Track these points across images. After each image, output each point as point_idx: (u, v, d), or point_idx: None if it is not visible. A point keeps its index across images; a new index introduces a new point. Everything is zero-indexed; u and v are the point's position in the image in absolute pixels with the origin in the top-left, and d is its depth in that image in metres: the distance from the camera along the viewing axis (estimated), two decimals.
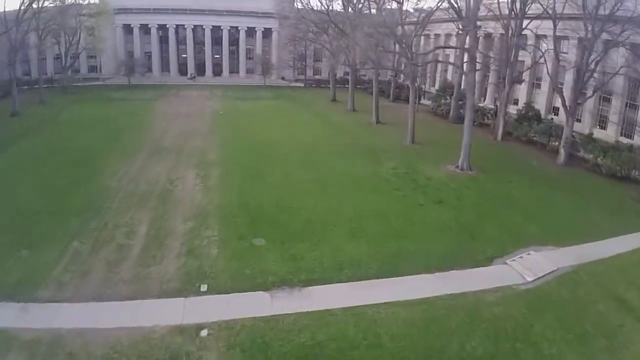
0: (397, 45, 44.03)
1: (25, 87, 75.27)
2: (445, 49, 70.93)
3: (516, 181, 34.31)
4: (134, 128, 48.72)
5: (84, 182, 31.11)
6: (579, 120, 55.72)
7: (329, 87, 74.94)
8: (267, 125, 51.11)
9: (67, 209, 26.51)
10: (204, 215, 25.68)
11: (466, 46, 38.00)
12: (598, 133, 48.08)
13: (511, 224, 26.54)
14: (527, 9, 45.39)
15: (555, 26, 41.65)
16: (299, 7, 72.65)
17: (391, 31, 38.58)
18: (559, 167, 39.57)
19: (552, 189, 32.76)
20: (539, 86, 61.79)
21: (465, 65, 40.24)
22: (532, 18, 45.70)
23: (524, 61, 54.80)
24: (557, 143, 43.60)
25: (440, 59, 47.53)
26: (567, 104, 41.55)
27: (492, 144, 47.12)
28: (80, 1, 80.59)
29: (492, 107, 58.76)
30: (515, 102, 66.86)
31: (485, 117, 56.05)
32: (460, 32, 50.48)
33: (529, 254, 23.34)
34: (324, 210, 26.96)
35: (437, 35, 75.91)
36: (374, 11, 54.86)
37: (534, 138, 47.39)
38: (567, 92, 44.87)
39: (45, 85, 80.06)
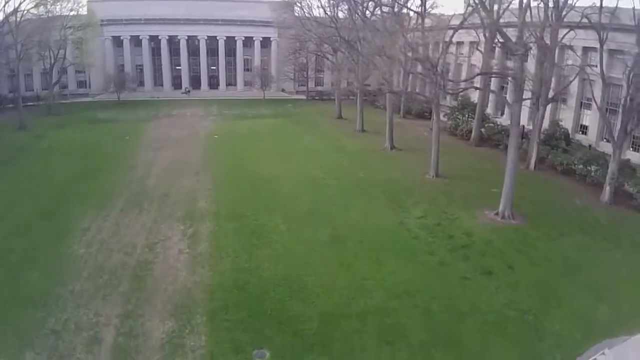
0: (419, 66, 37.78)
1: (10, 105, 70.01)
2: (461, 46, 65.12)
3: (567, 233, 28.43)
4: (117, 160, 42.72)
5: (47, 247, 25.12)
6: (609, 142, 49.95)
7: (333, 100, 69.00)
8: (267, 153, 45.10)
9: (20, 294, 20.59)
10: (188, 308, 19.58)
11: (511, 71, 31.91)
12: (632, 156, 42.35)
13: (578, 307, 20.52)
14: (564, 16, 39.38)
15: (601, 38, 35.73)
16: (300, 14, 66.94)
17: (424, 56, 32.45)
18: (604, 206, 33.76)
19: (610, 244, 27.06)
20: (564, 100, 55.89)
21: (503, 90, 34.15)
22: (571, 27, 39.77)
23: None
24: (597, 172, 37.97)
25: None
26: (614, 132, 35.52)
27: (526, 174, 40.93)
28: (66, 13, 74.98)
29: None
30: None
31: (508, 136, 49.97)
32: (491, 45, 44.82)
33: (603, 354, 17.33)
34: (345, 293, 20.90)
35: (459, 44, 69.57)
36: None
37: (572, 167, 41.46)
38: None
39: (31, 104, 74.70)
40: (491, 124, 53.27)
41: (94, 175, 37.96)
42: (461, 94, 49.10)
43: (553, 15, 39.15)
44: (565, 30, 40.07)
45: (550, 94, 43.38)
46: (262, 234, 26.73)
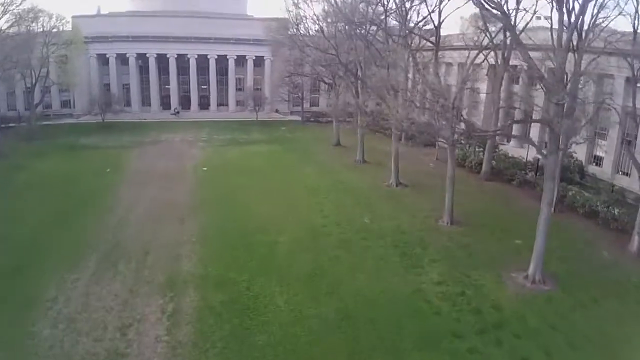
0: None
1: None
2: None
3: (601, 298, 24.80)
4: (96, 200, 38.34)
5: (5, 325, 20.84)
6: (626, 174, 46.59)
7: (329, 121, 64.64)
8: (260, 191, 40.93)
9: None
10: None
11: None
12: None
13: None
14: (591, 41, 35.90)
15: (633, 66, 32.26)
16: (295, 34, 63.32)
17: (439, 93, 28.56)
18: (634, 258, 30.15)
19: None
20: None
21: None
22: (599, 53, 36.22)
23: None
24: (621, 216, 34.43)
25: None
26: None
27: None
28: (48, 29, 70.86)
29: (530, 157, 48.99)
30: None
31: (523, 171, 46.33)
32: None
33: None
34: None
35: (461, 65, 65.90)
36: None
37: (594, 209, 37.76)
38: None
39: (13, 124, 70.31)
40: (502, 155, 49.75)
41: (69, 220, 33.59)
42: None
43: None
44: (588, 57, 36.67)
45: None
46: (256, 310, 22.46)
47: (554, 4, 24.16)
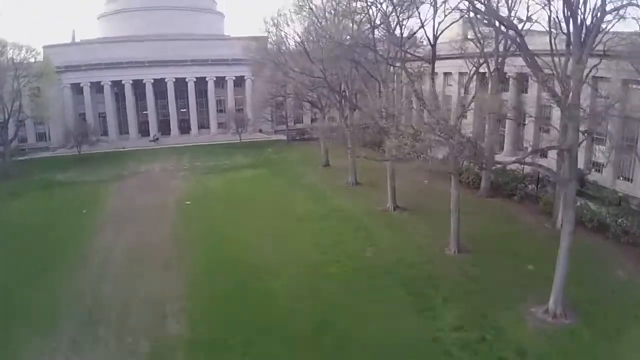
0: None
1: None
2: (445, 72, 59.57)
3: (624, 327, 22.84)
4: (70, 248, 35.17)
5: None
6: (629, 180, 45.01)
7: (315, 139, 61.30)
8: (250, 225, 38.23)
9: None
10: None
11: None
12: None
13: None
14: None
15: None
16: (275, 50, 60.88)
17: (439, 118, 26.18)
18: None
19: None
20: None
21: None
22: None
23: None
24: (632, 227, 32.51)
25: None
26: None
27: (555, 237, 34.99)
28: (18, 61, 67.69)
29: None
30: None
31: (523, 184, 44.22)
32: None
33: None
34: None
35: (447, 74, 64.20)
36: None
37: (604, 222, 35.76)
38: None
39: None
40: (500, 169, 47.64)
41: (44, 274, 30.38)
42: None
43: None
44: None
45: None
46: None
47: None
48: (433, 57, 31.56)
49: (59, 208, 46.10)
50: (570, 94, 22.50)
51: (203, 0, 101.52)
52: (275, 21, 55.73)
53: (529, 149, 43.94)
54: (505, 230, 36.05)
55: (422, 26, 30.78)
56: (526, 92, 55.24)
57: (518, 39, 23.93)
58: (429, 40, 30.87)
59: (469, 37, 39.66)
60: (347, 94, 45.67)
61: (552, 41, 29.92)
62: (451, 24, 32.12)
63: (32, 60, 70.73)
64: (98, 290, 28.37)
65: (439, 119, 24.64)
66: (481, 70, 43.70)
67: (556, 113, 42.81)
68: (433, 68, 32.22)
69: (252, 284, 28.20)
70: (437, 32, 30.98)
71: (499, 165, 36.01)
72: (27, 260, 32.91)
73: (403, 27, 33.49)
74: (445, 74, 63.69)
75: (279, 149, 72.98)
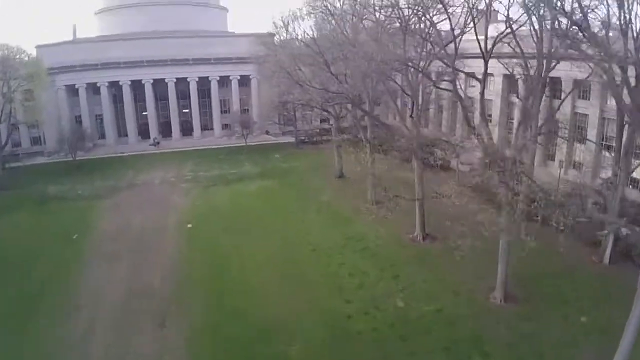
0: None
1: None
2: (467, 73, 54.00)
3: None
4: (54, 289, 30.64)
5: None
6: None
7: (325, 142, 54.89)
8: (257, 258, 33.62)
9: None
10: None
11: None
12: None
13: None
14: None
15: None
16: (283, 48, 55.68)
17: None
18: None
19: None
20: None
21: None
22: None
23: None
24: None
25: None
26: None
27: (601, 277, 30.05)
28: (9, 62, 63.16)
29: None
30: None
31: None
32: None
33: None
34: None
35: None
36: None
37: None
38: None
39: None
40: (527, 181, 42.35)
41: (21, 326, 26.02)
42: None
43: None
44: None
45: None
46: None
47: None
48: (484, 76, 26.21)
49: (47, 230, 41.59)
50: None
51: None
52: (286, 21, 50.52)
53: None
54: (547, 266, 30.88)
55: (478, 41, 25.38)
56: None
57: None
58: (483, 55, 25.53)
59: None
60: (369, 108, 40.51)
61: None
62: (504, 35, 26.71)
63: (26, 59, 66.32)
64: (84, 353, 23.77)
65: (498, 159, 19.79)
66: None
67: None
68: (484, 88, 26.88)
69: (261, 348, 23.42)
70: (488, 46, 25.67)
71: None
72: (8, 305, 28.52)
73: (458, 43, 28.06)
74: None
75: (287, 155, 68.01)
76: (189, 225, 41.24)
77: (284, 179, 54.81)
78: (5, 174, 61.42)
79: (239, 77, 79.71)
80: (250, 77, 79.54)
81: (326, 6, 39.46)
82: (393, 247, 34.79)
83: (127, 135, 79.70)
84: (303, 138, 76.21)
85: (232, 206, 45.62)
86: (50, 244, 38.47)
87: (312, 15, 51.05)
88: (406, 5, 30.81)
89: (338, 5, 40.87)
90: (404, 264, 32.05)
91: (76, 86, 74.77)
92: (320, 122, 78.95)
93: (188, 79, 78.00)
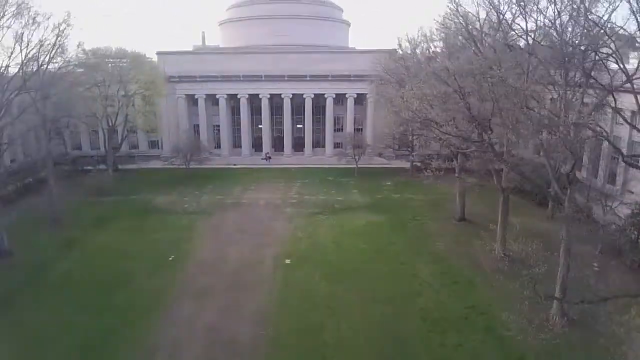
0: None
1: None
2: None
3: None
4: (135, 328, 28.43)
5: None
6: None
7: (447, 170, 47.88)
8: (358, 320, 28.82)
9: None
10: None
11: None
12: None
13: None
14: None
15: None
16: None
17: None
18: None
19: None
20: None
21: None
22: None
23: None
24: None
25: None
26: None
27: None
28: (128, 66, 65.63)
29: None
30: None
31: None
32: None
33: None
34: None
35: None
36: None
37: None
38: None
39: (90, 168, 65.71)
40: None
41: None
42: None
43: None
44: None
45: None
46: None
47: None
48: None
49: (145, 248, 40.55)
50: None
51: (327, 7, 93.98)
52: (413, 42, 45.09)
53: None
54: None
55: None
56: None
57: None
58: None
59: None
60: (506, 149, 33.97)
61: None
62: None
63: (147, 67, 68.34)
64: None
65: None
66: None
67: None
68: None
69: None
70: None
71: None
72: (77, 340, 26.63)
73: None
74: None
75: (400, 183, 62.59)
76: (287, 261, 37.63)
77: (395, 214, 49.37)
78: (116, 177, 63.22)
79: (355, 96, 75.77)
80: (367, 95, 75.21)
81: (464, 25, 33.26)
82: (525, 329, 27.69)
83: (241, 147, 79.48)
84: (419, 164, 69.79)
85: (335, 245, 41.16)
86: (144, 265, 37.16)
87: (443, 35, 45.60)
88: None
89: (478, 25, 34.55)
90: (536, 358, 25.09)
91: (196, 96, 75.87)
92: (440, 146, 72.01)
93: (304, 96, 75.77)
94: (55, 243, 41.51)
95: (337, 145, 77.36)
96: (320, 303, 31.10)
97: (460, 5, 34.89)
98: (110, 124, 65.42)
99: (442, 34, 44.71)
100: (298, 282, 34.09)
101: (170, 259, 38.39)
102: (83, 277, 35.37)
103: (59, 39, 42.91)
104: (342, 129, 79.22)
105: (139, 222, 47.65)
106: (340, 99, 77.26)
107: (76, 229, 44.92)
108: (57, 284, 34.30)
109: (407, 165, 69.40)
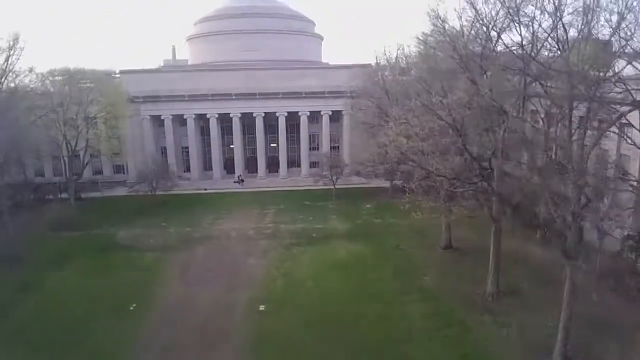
0: None
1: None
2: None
3: None
4: None
5: None
6: None
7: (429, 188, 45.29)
8: None
9: None
10: None
11: None
12: None
13: None
14: None
15: None
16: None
17: None
18: None
19: None
20: None
21: None
22: None
23: None
24: None
25: None
26: None
27: None
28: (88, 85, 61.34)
29: None
30: None
31: None
32: None
33: None
34: None
35: None
36: None
37: None
38: None
39: (51, 197, 61.35)
40: None
41: None
42: None
43: None
44: None
45: None
46: None
47: None
48: None
49: (105, 291, 36.43)
50: None
51: (299, 21, 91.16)
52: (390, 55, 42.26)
53: None
54: None
55: None
56: None
57: None
58: None
59: None
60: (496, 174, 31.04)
61: None
62: None
63: (108, 86, 64.07)
64: None
65: None
66: None
67: None
68: None
69: None
70: None
71: None
72: None
73: None
74: None
75: (380, 205, 59.50)
76: (262, 308, 33.81)
77: (377, 243, 46.05)
78: (77, 208, 58.85)
79: (330, 113, 72.75)
80: (342, 112, 72.30)
81: (452, 45, 30.10)
82: None
83: (212, 169, 75.51)
84: (400, 184, 66.84)
85: (315, 284, 37.46)
86: (103, 311, 33.19)
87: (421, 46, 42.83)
88: None
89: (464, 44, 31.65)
90: None
91: (162, 117, 71.75)
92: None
93: (277, 114, 72.36)
94: (11, 285, 37.33)
95: (313, 165, 74.04)
96: (301, 359, 27.47)
97: (446, 22, 31.96)
98: (71, 150, 60.81)
99: (422, 53, 41.87)
100: (274, 334, 30.29)
101: (132, 308, 34.23)
102: (37, 328, 31.15)
103: (8, 63, 39.29)
104: (318, 147, 76.13)
105: (101, 260, 43.34)
106: (315, 116, 74.17)
107: (33, 270, 40.59)
108: (9, 338, 29.96)
109: (387, 184, 66.45)
